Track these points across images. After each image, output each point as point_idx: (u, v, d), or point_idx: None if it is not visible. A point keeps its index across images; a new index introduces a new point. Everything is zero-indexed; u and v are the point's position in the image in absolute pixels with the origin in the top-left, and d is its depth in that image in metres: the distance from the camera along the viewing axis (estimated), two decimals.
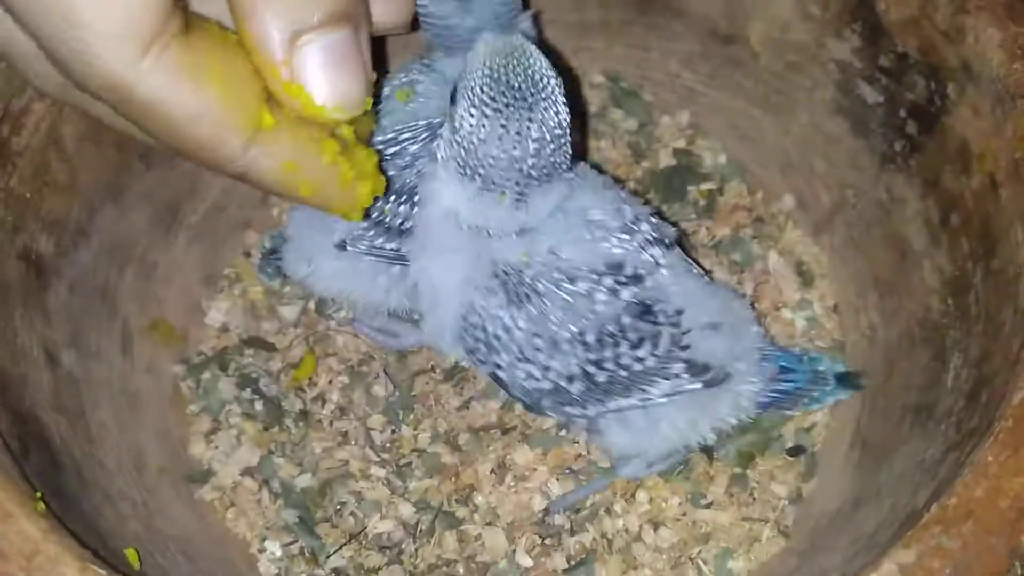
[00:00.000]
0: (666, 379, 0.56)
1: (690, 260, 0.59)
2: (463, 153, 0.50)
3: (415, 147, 0.58)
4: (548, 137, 0.50)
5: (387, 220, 0.59)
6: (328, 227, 0.61)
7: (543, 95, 0.49)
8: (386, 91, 0.61)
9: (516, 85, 0.49)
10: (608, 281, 0.54)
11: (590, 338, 0.54)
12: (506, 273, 0.54)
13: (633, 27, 0.72)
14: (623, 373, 0.55)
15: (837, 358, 0.63)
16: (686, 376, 0.56)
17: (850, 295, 0.67)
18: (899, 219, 0.62)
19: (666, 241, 0.57)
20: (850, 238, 0.67)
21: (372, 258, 0.60)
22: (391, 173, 0.58)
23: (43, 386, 0.54)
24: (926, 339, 0.59)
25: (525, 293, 0.53)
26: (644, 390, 0.56)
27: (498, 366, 0.55)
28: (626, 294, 0.55)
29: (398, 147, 0.58)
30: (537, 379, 0.55)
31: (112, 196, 0.63)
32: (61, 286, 0.59)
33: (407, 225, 0.59)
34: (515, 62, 0.49)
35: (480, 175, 0.51)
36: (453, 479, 0.63)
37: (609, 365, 0.55)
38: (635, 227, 0.56)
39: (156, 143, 0.44)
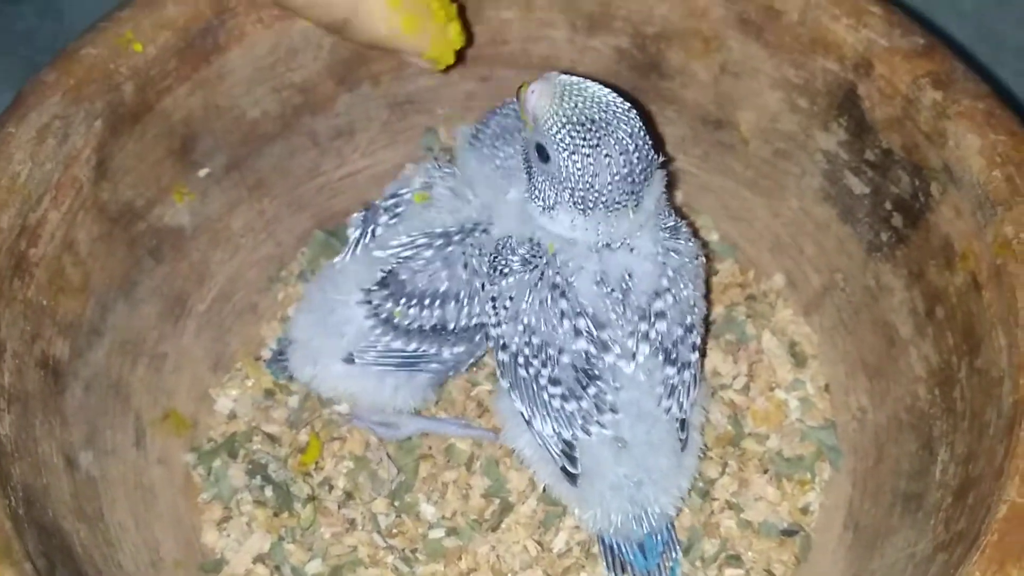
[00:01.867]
0: (550, 428, 0.58)
1: (674, 393, 0.59)
2: (583, 194, 0.55)
3: (429, 252, 0.61)
4: (639, 143, 0.54)
5: (396, 321, 0.61)
6: (335, 331, 0.63)
7: (617, 113, 0.54)
8: (406, 195, 0.63)
9: (595, 118, 0.53)
10: (582, 323, 0.57)
11: (536, 340, 0.57)
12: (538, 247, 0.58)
13: None
14: (533, 385, 0.58)
15: None
16: (558, 447, 0.59)
17: (840, 376, 0.69)
18: (886, 306, 0.65)
19: (672, 356, 0.58)
20: (840, 320, 0.69)
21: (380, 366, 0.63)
22: (403, 277, 0.61)
23: (63, 493, 0.56)
24: (914, 426, 0.61)
25: (543, 271, 0.57)
26: (533, 413, 0.59)
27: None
28: (581, 344, 0.57)
29: (413, 251, 0.61)
30: (492, 323, 0.59)
31: (124, 293, 0.65)
32: (77, 387, 0.61)
33: (415, 325, 0.61)
34: (580, 100, 0.54)
35: (604, 204, 0.55)
36: (457, 562, 0.65)
37: (532, 370, 0.58)
38: (653, 320, 0.58)
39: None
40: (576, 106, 0.53)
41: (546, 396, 0.58)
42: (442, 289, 0.61)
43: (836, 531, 0.64)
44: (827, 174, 0.67)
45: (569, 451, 0.58)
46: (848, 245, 0.67)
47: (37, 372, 0.57)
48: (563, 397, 0.57)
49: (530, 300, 0.57)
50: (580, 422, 0.58)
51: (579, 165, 0.54)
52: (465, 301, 0.62)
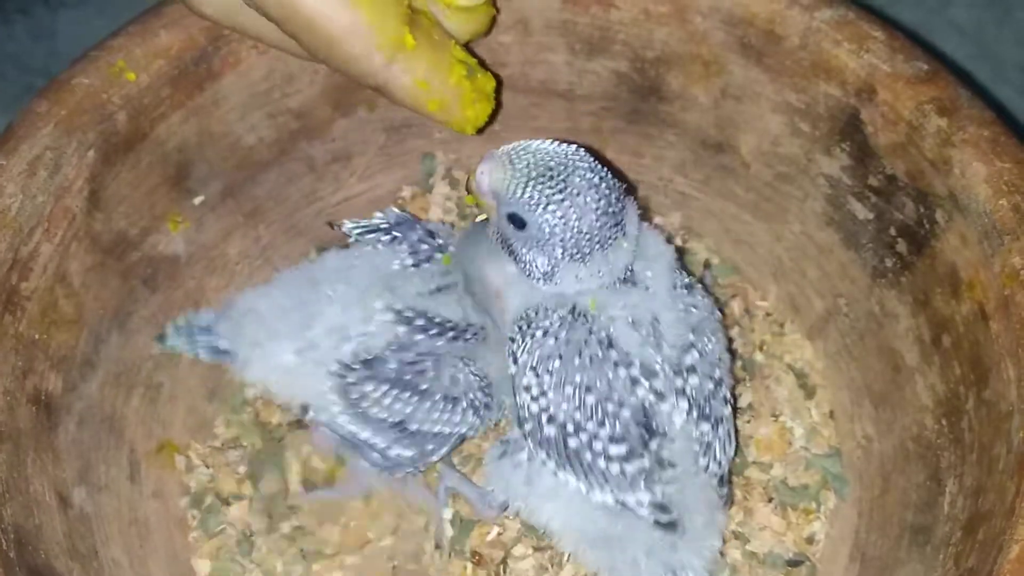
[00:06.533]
0: (615, 499, 0.56)
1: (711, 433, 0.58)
2: (574, 242, 0.54)
3: (425, 341, 0.59)
4: (602, 176, 0.54)
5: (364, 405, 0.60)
6: (304, 322, 0.60)
7: (570, 156, 0.54)
8: (433, 252, 0.63)
9: (551, 166, 0.53)
10: (635, 372, 0.55)
11: (590, 399, 0.55)
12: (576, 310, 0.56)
13: (624, 135, 0.74)
14: (587, 455, 0.55)
15: None
16: (646, 505, 0.56)
17: (845, 402, 0.68)
18: (891, 333, 0.64)
19: (705, 412, 0.57)
20: (844, 346, 0.68)
21: None
22: (391, 365, 0.59)
23: (56, 532, 0.55)
24: (921, 456, 0.60)
25: (590, 328, 0.55)
26: (591, 484, 0.56)
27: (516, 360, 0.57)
28: (640, 392, 0.55)
29: (412, 337, 0.59)
30: (532, 396, 0.56)
31: (118, 323, 0.64)
32: (70, 422, 0.60)
33: (379, 415, 0.60)
34: (530, 157, 0.53)
35: (598, 243, 0.54)
36: None
37: (584, 436, 0.55)
38: (686, 375, 0.56)
39: (309, 55, 0.56)
40: (528, 164, 0.53)
41: (603, 463, 0.55)
42: (422, 387, 0.60)
43: (842, 562, 0.63)
44: (830, 199, 0.67)
45: (663, 506, 0.56)
46: (851, 270, 0.67)
47: (29, 408, 0.56)
48: (623, 458, 0.55)
49: (582, 359, 0.55)
50: (642, 483, 0.55)
51: (559, 215, 0.53)
52: (436, 406, 0.60)
